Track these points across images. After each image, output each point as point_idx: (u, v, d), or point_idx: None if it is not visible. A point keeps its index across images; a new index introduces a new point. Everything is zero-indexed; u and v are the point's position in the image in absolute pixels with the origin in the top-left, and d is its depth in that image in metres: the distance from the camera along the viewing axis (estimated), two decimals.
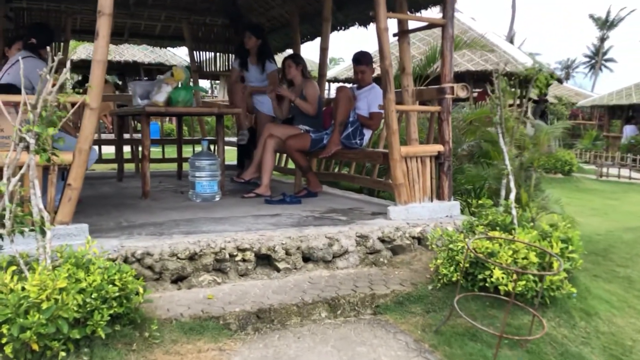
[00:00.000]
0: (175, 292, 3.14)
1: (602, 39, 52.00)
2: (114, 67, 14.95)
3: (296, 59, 5.48)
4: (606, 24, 50.15)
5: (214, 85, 26.18)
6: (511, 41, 28.81)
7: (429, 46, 8.14)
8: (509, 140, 3.66)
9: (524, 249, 3.10)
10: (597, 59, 52.83)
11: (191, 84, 5.64)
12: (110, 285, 2.37)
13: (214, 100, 13.73)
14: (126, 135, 7.42)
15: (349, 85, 5.73)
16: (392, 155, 4.00)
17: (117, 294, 2.38)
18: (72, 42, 9.46)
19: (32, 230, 2.39)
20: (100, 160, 7.30)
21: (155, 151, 8.31)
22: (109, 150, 7.46)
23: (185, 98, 5.01)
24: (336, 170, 5.77)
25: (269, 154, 5.17)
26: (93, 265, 2.42)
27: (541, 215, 4.16)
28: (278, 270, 3.43)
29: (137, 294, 2.51)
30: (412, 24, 4.64)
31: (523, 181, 4.46)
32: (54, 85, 2.52)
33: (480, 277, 3.14)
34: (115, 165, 6.93)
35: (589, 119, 24.96)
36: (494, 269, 3.06)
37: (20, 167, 2.47)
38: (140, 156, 5.01)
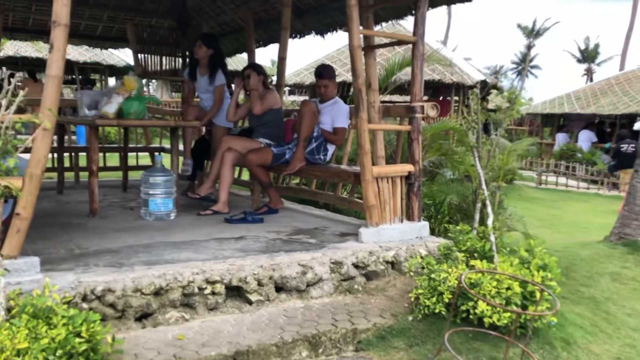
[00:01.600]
0: (141, 331, 2.86)
1: (529, 47, 54.40)
2: (43, 65, 14.05)
3: (257, 68, 5.24)
4: (532, 33, 52.53)
5: (149, 84, 25.30)
6: (445, 45, 29.62)
7: (384, 58, 8.10)
8: (484, 164, 3.60)
9: (507, 279, 3.03)
10: (524, 65, 55.22)
11: (145, 94, 5.28)
12: (77, 338, 2.09)
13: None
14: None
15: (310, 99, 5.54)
16: (363, 176, 3.86)
17: (84, 348, 2.10)
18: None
19: None
20: None
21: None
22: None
23: (138, 109, 4.68)
24: (295, 183, 5.60)
25: (227, 169, 4.92)
26: (55, 316, 2.12)
27: (505, 235, 4.15)
28: (250, 302, 3.21)
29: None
30: (378, 40, 4.53)
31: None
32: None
33: (463, 308, 3.05)
34: (51, 174, 6.43)
35: (519, 124, 25.94)
36: (476, 300, 2.97)
37: None
38: (88, 172, 4.62)
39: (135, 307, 2.88)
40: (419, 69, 4.09)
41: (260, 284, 3.24)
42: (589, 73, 48.45)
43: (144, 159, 7.69)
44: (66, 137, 7.78)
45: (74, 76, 14.94)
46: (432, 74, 12.14)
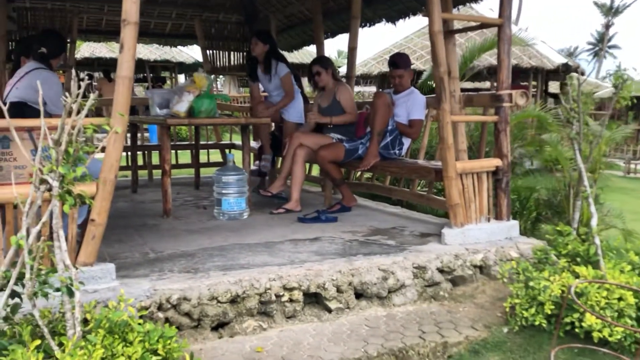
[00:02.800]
0: (217, 342, 2.73)
1: (607, 26, 51.30)
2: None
3: (324, 62, 5.03)
4: (611, 10, 49.45)
5: (217, 80, 25.69)
6: (516, 26, 28.34)
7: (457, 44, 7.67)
8: (585, 158, 3.24)
9: (618, 288, 2.69)
10: (601, 45, 52.17)
11: (214, 91, 5.20)
12: (154, 356, 1.96)
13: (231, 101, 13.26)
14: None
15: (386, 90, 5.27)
16: (446, 172, 3.58)
17: None
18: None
19: (57, 290, 1.98)
20: None
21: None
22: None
23: (209, 107, 4.58)
24: (367, 179, 5.37)
25: (299, 166, 4.75)
26: (132, 333, 2.00)
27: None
28: (329, 310, 3.02)
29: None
30: (457, 24, 4.21)
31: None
32: (78, 112, 2.10)
33: (567, 320, 2.73)
34: (126, 172, 6.50)
35: (598, 108, 24.45)
36: (583, 312, 2.65)
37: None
38: (161, 171, 4.58)
39: (212, 317, 2.75)
40: (506, 54, 3.75)
41: (339, 290, 3.05)
42: None
43: (215, 154, 7.67)
44: (139, 135, 7.95)
45: (145, 74, 15.30)
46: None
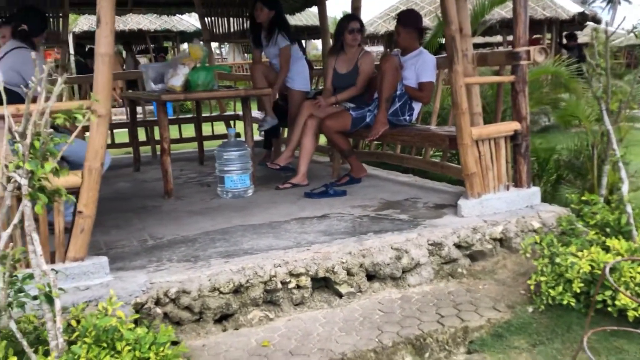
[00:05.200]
0: (222, 336, 2.55)
1: None
2: (118, 36, 14.12)
3: (363, 24, 4.70)
4: None
5: (221, 48, 25.23)
6: None
7: None
8: (614, 119, 2.96)
9: None
10: None
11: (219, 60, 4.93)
12: None
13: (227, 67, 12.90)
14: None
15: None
16: (461, 140, 3.32)
17: None
18: (71, 16, 8.70)
19: (35, 298, 1.79)
20: (113, 144, 6.69)
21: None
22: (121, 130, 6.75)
23: (206, 80, 4.33)
24: (377, 146, 5.12)
25: (309, 138, 4.50)
26: (120, 342, 1.82)
27: None
28: (340, 295, 2.83)
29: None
30: None
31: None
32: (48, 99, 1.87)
33: (599, 298, 2.51)
34: (130, 149, 6.30)
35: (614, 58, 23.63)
36: (615, 290, 2.42)
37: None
38: (160, 150, 4.36)
39: (214, 309, 2.57)
40: (523, 7, 3.43)
41: (349, 273, 2.84)
42: None
43: (220, 126, 7.42)
44: (143, 109, 7.72)
45: (146, 45, 14.96)
46: None
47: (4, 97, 1.82)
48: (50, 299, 1.78)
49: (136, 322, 2.43)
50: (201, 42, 4.73)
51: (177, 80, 4.30)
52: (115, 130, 6.67)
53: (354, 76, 4.58)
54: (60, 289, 1.82)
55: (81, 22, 13.47)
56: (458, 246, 3.13)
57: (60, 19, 6.57)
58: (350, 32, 4.52)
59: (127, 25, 14.12)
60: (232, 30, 7.44)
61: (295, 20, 13.76)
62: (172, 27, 14.64)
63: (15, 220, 1.79)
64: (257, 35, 5.19)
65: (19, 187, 1.80)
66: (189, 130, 7.20)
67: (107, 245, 3.18)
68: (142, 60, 16.93)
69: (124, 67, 13.46)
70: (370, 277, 2.94)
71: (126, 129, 6.23)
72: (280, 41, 4.96)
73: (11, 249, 1.73)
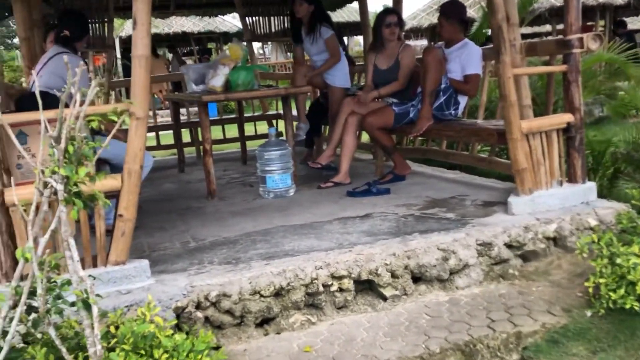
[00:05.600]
0: (263, 340, 2.50)
1: None
2: (162, 39, 14.41)
3: (401, 18, 4.58)
4: None
5: (264, 47, 25.32)
6: None
7: None
8: None
9: None
10: None
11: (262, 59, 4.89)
12: None
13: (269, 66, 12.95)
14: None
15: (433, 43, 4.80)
16: (510, 134, 3.16)
17: None
18: (117, 21, 8.89)
19: (73, 305, 1.77)
20: (159, 146, 6.79)
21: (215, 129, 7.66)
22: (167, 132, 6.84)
23: (246, 79, 4.30)
24: (424, 144, 4.97)
25: (350, 135, 4.41)
26: (157, 350, 1.78)
27: None
28: (384, 298, 2.73)
29: None
30: None
31: None
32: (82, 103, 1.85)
33: None
34: (175, 150, 6.36)
35: None
36: None
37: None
38: (202, 151, 4.36)
39: (255, 313, 2.52)
40: None
41: (394, 275, 2.74)
42: None
43: (263, 126, 7.41)
44: (188, 111, 7.78)
45: (191, 47, 15.18)
46: None
47: (40, 102, 1.81)
48: (87, 306, 1.76)
49: (178, 326, 2.42)
50: (242, 42, 4.67)
51: (217, 81, 4.29)
52: (160, 132, 6.78)
53: (396, 71, 4.46)
54: (98, 295, 1.80)
55: (127, 27, 13.76)
56: (509, 246, 2.98)
57: (105, 24, 6.69)
58: (388, 26, 4.40)
59: (172, 28, 14.37)
60: (273, 29, 7.43)
61: (336, 16, 13.65)
62: (215, 28, 14.79)
63: (52, 226, 1.77)
64: (298, 31, 5.14)
65: (55, 192, 1.78)
66: (232, 131, 7.22)
67: (150, 248, 3.18)
68: (188, 62, 17.19)
69: (170, 70, 13.69)
70: (416, 279, 2.83)
71: (171, 131, 6.29)
72: (324, 32, 4.89)
73: (48, 255, 1.72)
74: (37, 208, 1.79)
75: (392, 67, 4.49)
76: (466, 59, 4.13)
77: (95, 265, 2.53)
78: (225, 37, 15.52)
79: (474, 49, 4.16)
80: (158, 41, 14.78)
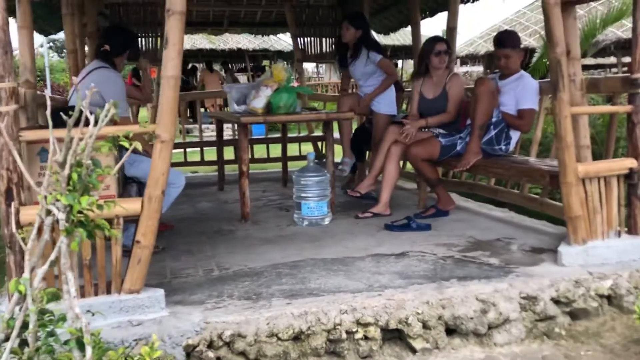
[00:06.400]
0: None
1: None
2: (218, 55, 14.62)
3: (450, 46, 4.37)
4: None
5: (319, 67, 25.42)
6: None
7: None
8: None
9: None
10: None
11: (294, 83, 4.79)
12: None
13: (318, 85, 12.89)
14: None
15: (489, 75, 4.58)
16: (564, 178, 2.89)
17: None
18: None
19: (66, 343, 1.64)
20: (203, 162, 6.78)
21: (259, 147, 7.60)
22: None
23: (288, 102, 4.18)
24: (471, 178, 4.71)
25: (392, 165, 4.21)
26: None
27: None
28: (413, 350, 2.50)
29: None
30: None
31: None
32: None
33: None
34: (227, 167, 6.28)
35: None
36: None
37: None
38: (239, 172, 4.25)
39: (270, 357, 2.34)
40: None
41: (425, 326, 2.51)
42: None
43: (308, 146, 7.28)
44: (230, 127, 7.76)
45: (245, 64, 15.34)
46: None
47: (50, 121, 1.71)
48: (81, 346, 1.63)
49: None
50: (285, 63, 4.55)
51: (258, 102, 4.19)
52: (205, 148, 6.77)
53: (443, 101, 4.23)
54: (93, 334, 1.66)
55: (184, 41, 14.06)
56: (556, 301, 2.70)
57: (158, 38, 6.77)
58: (437, 55, 4.19)
59: (227, 45, 14.57)
60: (324, 50, 7.34)
61: (390, 40, 13.53)
62: (269, 46, 14.92)
63: (52, 256, 1.66)
64: (344, 56, 5.01)
65: (57, 221, 1.67)
66: (277, 149, 7.12)
67: (172, 273, 3.06)
68: (241, 78, 17.41)
69: (223, 86, 13.89)
70: (450, 331, 2.59)
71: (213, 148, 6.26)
72: (374, 57, 4.74)
73: (40, 289, 1.60)
74: (40, 233, 1.68)
75: (439, 97, 4.27)
76: (521, 92, 3.87)
77: (109, 292, 2.42)
78: (279, 56, 15.66)
79: (530, 82, 3.90)
80: (214, 57, 15.02)
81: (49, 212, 1.66)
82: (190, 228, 4.12)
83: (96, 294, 2.41)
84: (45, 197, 1.65)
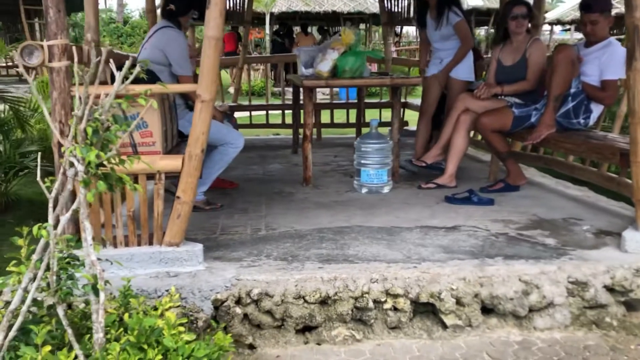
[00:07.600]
0: (300, 348, 2.36)
1: None
2: (314, 18, 14.59)
3: (530, 9, 4.03)
4: None
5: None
6: None
7: None
8: None
9: None
10: None
11: (362, 48, 4.66)
12: None
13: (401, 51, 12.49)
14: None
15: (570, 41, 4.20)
16: (635, 156, 2.63)
17: None
18: None
19: (84, 287, 1.75)
20: (283, 124, 6.86)
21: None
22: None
23: (354, 66, 4.09)
24: (549, 153, 4.40)
25: (460, 135, 4.03)
26: (152, 350, 1.70)
27: None
28: (444, 326, 2.43)
29: None
30: None
31: None
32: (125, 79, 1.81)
33: None
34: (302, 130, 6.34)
35: None
36: None
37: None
38: (303, 136, 4.26)
39: (296, 318, 2.37)
40: None
41: (459, 302, 2.42)
42: None
43: (388, 113, 7.14)
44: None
45: (340, 27, 15.20)
46: None
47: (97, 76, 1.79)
48: (96, 291, 1.73)
49: (215, 319, 2.35)
50: (354, 28, 4.42)
51: (324, 66, 4.14)
52: (286, 111, 6.83)
53: (522, 69, 3.94)
54: (107, 281, 1.76)
55: (280, 4, 14.16)
56: (610, 289, 2.49)
57: (246, 0, 6.84)
58: (514, 19, 3.88)
59: (322, 7, 14.49)
60: (411, 13, 7.08)
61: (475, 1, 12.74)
62: (365, 9, 14.65)
63: (74, 205, 1.77)
64: (423, 14, 4.79)
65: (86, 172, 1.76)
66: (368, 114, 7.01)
67: (222, 230, 3.16)
68: None
69: None
70: (488, 310, 2.48)
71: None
72: (452, 18, 4.47)
73: (59, 237, 1.71)
74: (62, 187, 1.79)
75: (518, 64, 3.98)
76: (607, 61, 3.53)
77: (151, 243, 2.54)
78: (374, 18, 15.34)
79: (618, 50, 3.52)
80: (310, 19, 15.02)
81: (72, 164, 1.76)
82: (254, 188, 4.21)
83: (139, 244, 2.54)
84: (68, 150, 1.74)
